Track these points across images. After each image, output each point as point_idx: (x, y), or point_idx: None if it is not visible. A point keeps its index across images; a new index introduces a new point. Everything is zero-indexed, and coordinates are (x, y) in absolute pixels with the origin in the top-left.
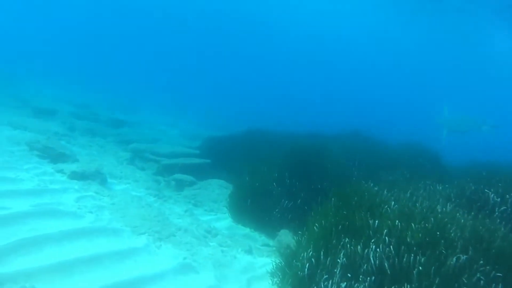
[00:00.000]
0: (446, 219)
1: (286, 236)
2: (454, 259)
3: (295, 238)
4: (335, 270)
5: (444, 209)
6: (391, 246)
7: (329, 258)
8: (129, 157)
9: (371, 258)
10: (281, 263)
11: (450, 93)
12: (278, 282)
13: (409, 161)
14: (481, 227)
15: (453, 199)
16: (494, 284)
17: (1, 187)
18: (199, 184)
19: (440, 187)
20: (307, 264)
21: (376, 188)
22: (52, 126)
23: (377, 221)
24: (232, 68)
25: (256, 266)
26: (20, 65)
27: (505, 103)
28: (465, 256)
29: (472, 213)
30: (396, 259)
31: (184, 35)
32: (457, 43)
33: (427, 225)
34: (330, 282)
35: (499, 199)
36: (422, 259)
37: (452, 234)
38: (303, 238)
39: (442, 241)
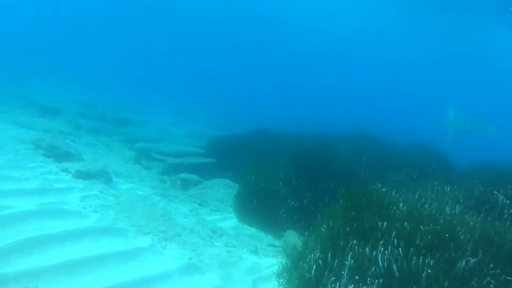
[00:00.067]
0: (455, 221)
1: (293, 237)
2: (464, 262)
3: (301, 238)
4: (343, 272)
5: (453, 211)
6: (400, 249)
7: (336, 260)
8: (134, 156)
9: (380, 261)
10: (287, 264)
11: (456, 93)
12: (284, 283)
13: (416, 162)
14: (490, 230)
15: (461, 201)
16: None
17: (6, 186)
18: (204, 183)
19: (448, 188)
20: (314, 266)
21: (384, 189)
22: (58, 125)
23: (385, 223)
24: (238, 67)
25: (262, 267)
26: (26, 64)
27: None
28: (474, 259)
29: (481, 215)
30: (405, 262)
31: (190, 35)
32: (463, 43)
33: (436, 227)
34: (337, 284)
35: (508, 201)
36: (431, 262)
37: (462, 237)
38: (310, 239)
39: (452, 243)
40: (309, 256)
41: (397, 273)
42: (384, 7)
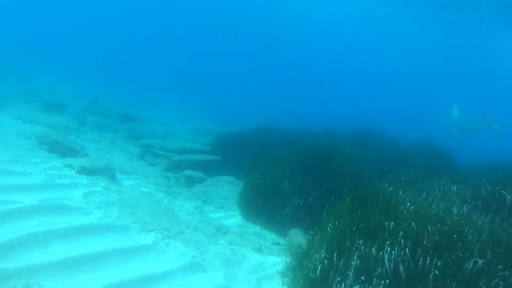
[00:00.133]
0: (462, 222)
1: (297, 235)
2: (472, 263)
3: (306, 237)
4: (348, 273)
5: (460, 211)
6: (407, 249)
7: (342, 260)
8: (139, 152)
9: (386, 261)
10: (291, 263)
11: (461, 91)
12: (288, 282)
13: (422, 160)
14: (499, 230)
15: (469, 201)
16: None
17: (9, 181)
18: (209, 180)
19: (455, 188)
20: (320, 266)
21: (390, 189)
22: (62, 120)
23: (392, 223)
24: (244, 64)
25: (266, 266)
26: (32, 60)
27: None
28: (482, 260)
29: (489, 215)
30: (412, 262)
31: (195, 31)
32: (467, 41)
33: (443, 227)
34: (343, 284)
35: None
36: (439, 263)
37: (469, 237)
38: (315, 238)
39: (459, 244)
40: (314, 256)
41: (403, 274)
42: (391, 5)
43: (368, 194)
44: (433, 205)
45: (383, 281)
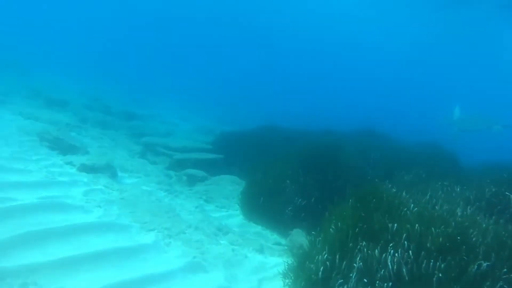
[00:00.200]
0: (466, 223)
1: (299, 236)
2: (476, 266)
3: (308, 238)
4: (351, 275)
5: (464, 212)
6: (410, 251)
7: (344, 262)
8: (140, 150)
9: (389, 263)
10: (293, 263)
11: (464, 91)
12: (290, 284)
13: (425, 161)
14: (503, 233)
15: (472, 202)
16: None
17: (9, 178)
18: (211, 179)
19: (459, 189)
20: (322, 268)
21: (394, 190)
22: (64, 117)
23: (395, 225)
24: (247, 63)
25: (268, 266)
26: (34, 56)
27: None
28: (487, 263)
29: (493, 217)
30: (415, 265)
31: (199, 29)
32: (471, 40)
33: (447, 229)
34: (345, 287)
35: None
36: (442, 266)
37: (474, 239)
38: (317, 239)
39: (463, 246)
40: (316, 257)
41: (406, 277)
42: (393, 4)
43: (371, 195)
44: (436, 207)
45: (385, 284)
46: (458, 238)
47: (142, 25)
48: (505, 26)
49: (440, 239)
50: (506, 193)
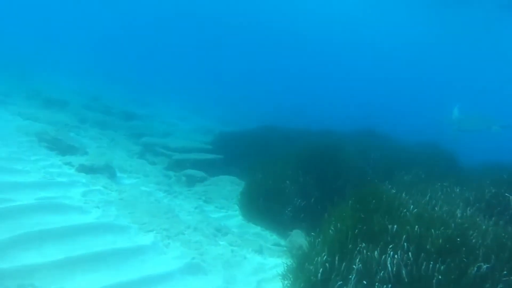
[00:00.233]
0: (466, 225)
1: (299, 237)
2: (476, 268)
3: (307, 239)
4: (350, 277)
5: (464, 214)
6: (410, 253)
7: (344, 264)
8: (140, 151)
9: (388, 265)
10: (292, 265)
11: (462, 91)
12: (289, 285)
13: (424, 161)
14: (503, 234)
15: (472, 203)
16: None
17: (7, 178)
18: (210, 180)
19: (458, 189)
20: (321, 269)
21: (394, 190)
22: (63, 118)
23: (395, 226)
24: (247, 63)
25: (267, 268)
26: (34, 56)
27: None
28: (486, 265)
29: (493, 218)
30: (415, 267)
31: (198, 29)
32: (468, 40)
33: (447, 231)
34: None
35: None
36: (442, 267)
37: (473, 241)
38: (316, 240)
39: (463, 248)
40: (316, 259)
41: (406, 279)
42: (393, 4)
43: (371, 196)
44: (436, 208)
45: (385, 286)
46: (458, 239)
47: (142, 25)
48: (505, 26)
49: (440, 240)
50: (506, 194)
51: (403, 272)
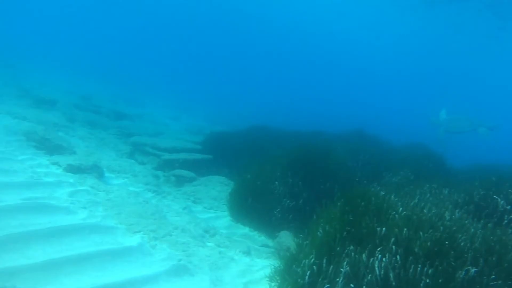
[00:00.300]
0: (454, 228)
1: (287, 238)
2: (464, 271)
3: (295, 240)
4: (338, 280)
5: (453, 216)
6: (398, 256)
7: (332, 267)
8: (129, 150)
9: (376, 268)
10: (280, 266)
11: (451, 92)
12: (276, 287)
13: (413, 162)
14: (491, 238)
15: (460, 205)
16: None
17: None
18: (199, 180)
19: (447, 191)
20: (308, 272)
21: (382, 193)
22: (52, 117)
23: (384, 229)
24: (238, 63)
25: (254, 269)
26: (24, 55)
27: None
28: (474, 269)
29: (482, 221)
30: (403, 270)
31: (191, 29)
32: (458, 41)
33: (435, 233)
34: None
35: (509, 207)
36: (430, 271)
37: (462, 244)
38: (304, 242)
39: (452, 251)
40: (303, 261)
41: (393, 282)
42: (381, 4)
43: (360, 198)
44: (425, 210)
45: None
46: (446, 243)
47: (134, 25)
48: (495, 26)
49: (428, 243)
50: (495, 196)
51: (391, 275)
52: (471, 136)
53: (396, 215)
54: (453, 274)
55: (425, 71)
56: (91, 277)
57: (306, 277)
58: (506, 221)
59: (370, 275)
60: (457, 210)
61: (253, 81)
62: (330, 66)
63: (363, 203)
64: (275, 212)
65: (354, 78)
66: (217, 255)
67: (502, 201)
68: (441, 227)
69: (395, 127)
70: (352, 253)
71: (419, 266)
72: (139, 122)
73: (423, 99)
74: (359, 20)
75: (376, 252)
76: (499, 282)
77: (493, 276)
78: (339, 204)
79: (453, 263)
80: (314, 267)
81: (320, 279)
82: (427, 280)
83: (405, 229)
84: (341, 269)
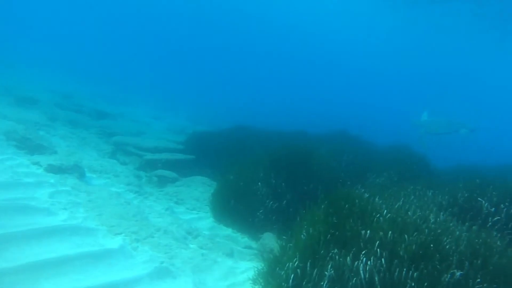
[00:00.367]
0: (439, 230)
1: (270, 240)
2: (449, 275)
3: (279, 242)
4: (322, 283)
5: (438, 219)
6: (383, 259)
7: (316, 270)
8: (111, 150)
9: (361, 272)
10: (263, 269)
11: (436, 94)
12: None
13: (397, 163)
14: (476, 240)
15: (445, 207)
16: None
17: None
18: (182, 180)
19: (431, 193)
20: (292, 275)
21: (366, 195)
22: (33, 116)
23: (368, 231)
24: (222, 63)
25: (237, 272)
26: (5, 53)
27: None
28: (460, 272)
29: (466, 223)
30: (388, 273)
31: (174, 28)
32: (441, 43)
33: (420, 236)
34: None
35: (493, 209)
36: (415, 274)
37: (447, 247)
38: (288, 244)
39: (437, 255)
40: (287, 264)
41: (379, 286)
42: (367, 5)
43: (344, 200)
44: (409, 212)
45: None
46: (432, 246)
47: (116, 23)
48: (478, 29)
49: (413, 246)
50: (479, 199)
51: (376, 279)
52: (453, 137)
53: (381, 218)
54: (438, 277)
55: (409, 72)
56: (72, 280)
57: (290, 281)
58: (490, 223)
59: (355, 279)
60: (441, 213)
61: (237, 80)
62: (312, 67)
63: (347, 206)
64: (258, 214)
65: (337, 79)
66: (200, 257)
67: (486, 204)
68: (426, 230)
69: (378, 128)
70: (337, 256)
71: (404, 269)
72: (121, 121)
73: (407, 100)
74: (345, 21)
75: (361, 255)
76: (485, 285)
77: (478, 279)
78: (322, 206)
79: (438, 266)
80: (298, 270)
81: (304, 283)
82: (413, 284)
83: (390, 232)
84: (326, 273)
